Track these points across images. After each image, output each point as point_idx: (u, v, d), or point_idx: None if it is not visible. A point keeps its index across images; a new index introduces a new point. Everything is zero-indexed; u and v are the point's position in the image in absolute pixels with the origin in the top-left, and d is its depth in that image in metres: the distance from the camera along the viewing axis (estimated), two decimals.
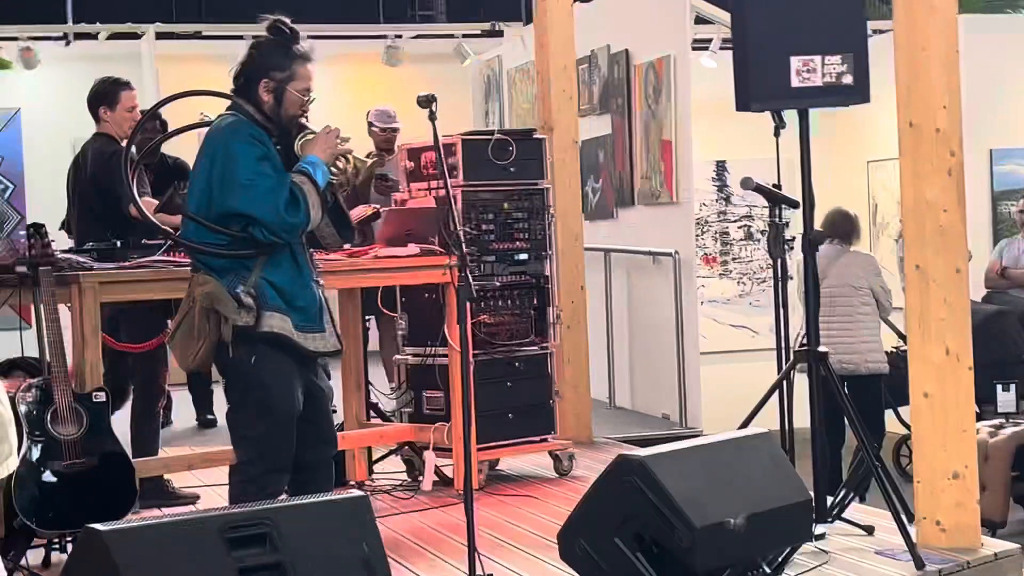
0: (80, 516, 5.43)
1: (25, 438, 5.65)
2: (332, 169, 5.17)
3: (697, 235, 11.71)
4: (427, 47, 16.08)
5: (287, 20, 5.20)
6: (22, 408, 5.66)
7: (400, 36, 15.76)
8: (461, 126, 12.38)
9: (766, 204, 10.91)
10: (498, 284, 7.58)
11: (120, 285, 6.14)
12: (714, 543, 4.83)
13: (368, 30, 15.84)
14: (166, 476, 7.17)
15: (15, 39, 14.72)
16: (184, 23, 15.60)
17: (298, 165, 5.06)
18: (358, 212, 7.59)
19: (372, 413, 7.75)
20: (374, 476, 7.76)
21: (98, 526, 3.82)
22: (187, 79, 14.90)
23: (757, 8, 5.68)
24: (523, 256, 7.67)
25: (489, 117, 13.56)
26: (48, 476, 5.64)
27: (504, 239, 7.59)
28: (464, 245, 5.42)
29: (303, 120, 5.18)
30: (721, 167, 12.86)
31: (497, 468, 7.93)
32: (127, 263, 6.24)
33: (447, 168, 7.42)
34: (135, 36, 15.27)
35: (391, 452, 7.91)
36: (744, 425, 5.99)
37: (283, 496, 5.15)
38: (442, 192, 7.49)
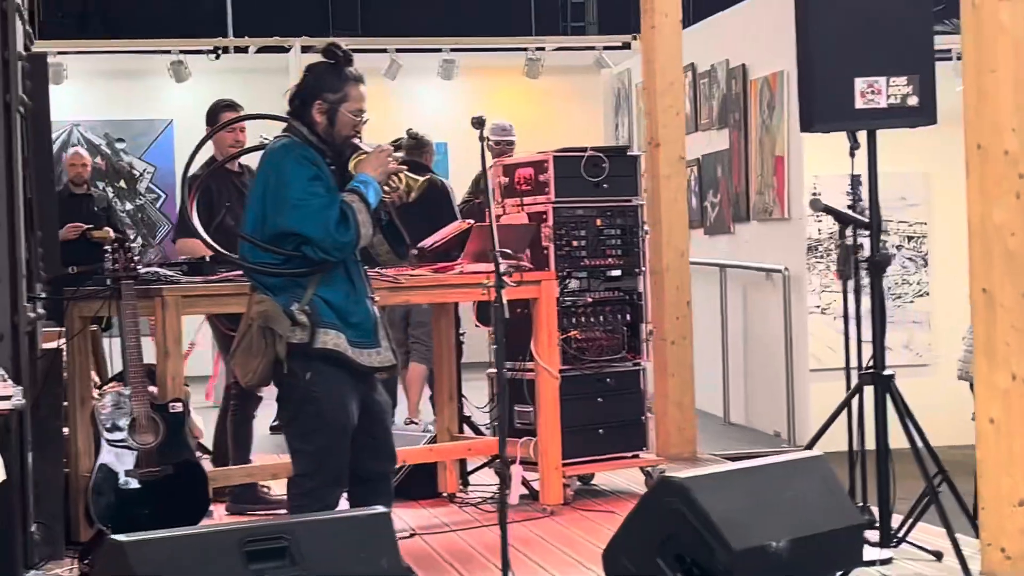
0: (155, 523, 5.62)
1: (103, 445, 5.86)
2: (385, 187, 5.27)
3: (830, 251, 11.59)
4: (568, 59, 16.17)
5: (340, 43, 5.31)
6: (101, 416, 5.88)
7: (543, 48, 15.86)
8: (593, 139, 12.47)
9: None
10: (589, 300, 7.62)
11: (202, 299, 6.33)
12: (754, 566, 4.81)
13: (509, 42, 15.95)
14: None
15: (167, 52, 15.14)
16: (331, 37, 15.84)
17: (350, 184, 5.17)
18: (452, 228, 7.70)
19: (465, 426, 7.85)
20: (467, 488, 7.85)
21: (119, 536, 3.97)
22: None
23: (821, 28, 5.64)
24: (616, 272, 7.70)
25: (619, 130, 13.60)
26: (125, 483, 5.83)
27: (596, 256, 7.62)
28: (504, 264, 5.48)
29: (356, 140, 5.29)
30: (856, 181, 12.72)
31: (592, 483, 7.98)
32: (213, 277, 6.43)
33: (539, 185, 7.54)
34: (283, 49, 15.62)
35: (484, 464, 7.99)
36: (810, 446, 5.95)
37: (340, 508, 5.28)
38: (535, 208, 7.57)
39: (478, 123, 5.39)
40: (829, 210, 6.11)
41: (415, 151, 10.56)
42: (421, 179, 5.37)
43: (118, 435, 5.86)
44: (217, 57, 15.40)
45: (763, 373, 10.08)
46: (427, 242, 7.62)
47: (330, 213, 5.06)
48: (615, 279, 7.71)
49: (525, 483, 7.45)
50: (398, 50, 15.40)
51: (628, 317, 7.73)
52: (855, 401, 6.08)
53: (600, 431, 7.60)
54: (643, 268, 7.78)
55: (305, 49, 15.46)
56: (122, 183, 15.46)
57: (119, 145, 15.51)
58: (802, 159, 9.54)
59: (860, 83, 5.60)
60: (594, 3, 20.97)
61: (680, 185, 8.90)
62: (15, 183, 6.19)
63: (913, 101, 5.64)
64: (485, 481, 7.92)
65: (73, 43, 16.03)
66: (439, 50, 15.58)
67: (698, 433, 9.11)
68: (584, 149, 7.65)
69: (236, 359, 5.28)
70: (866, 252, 6.08)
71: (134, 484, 5.84)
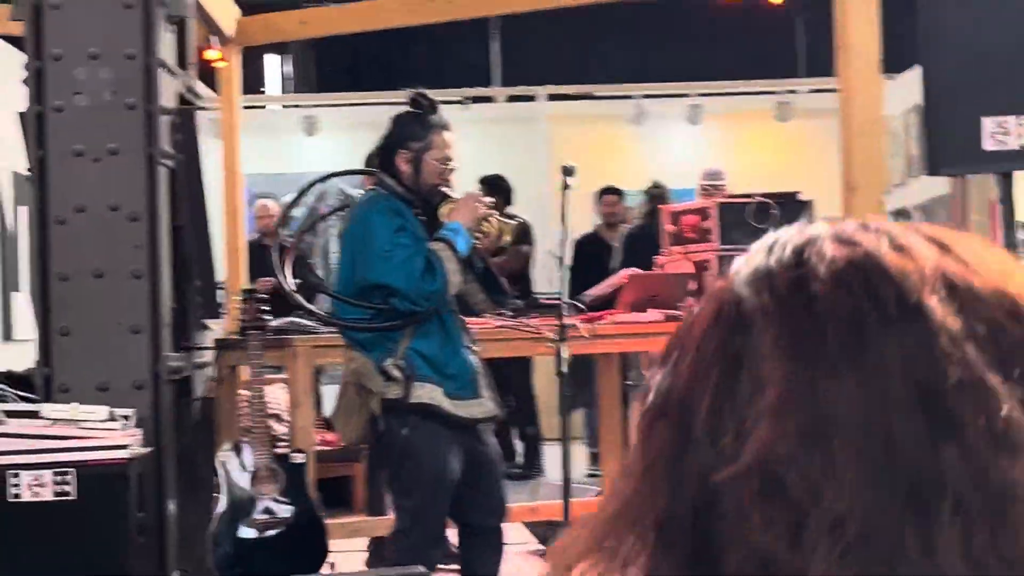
0: (272, 574, 5.66)
1: (224, 496, 5.89)
2: (476, 234, 5.15)
3: None
4: (823, 102, 15.73)
5: (425, 91, 5.22)
6: (221, 465, 5.91)
7: (795, 91, 15.51)
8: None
9: None
10: None
11: (332, 348, 6.29)
12: None
13: (758, 86, 15.63)
14: None
15: None
16: (576, 84, 15.87)
17: (439, 232, 5.07)
18: (616, 278, 7.53)
19: None
20: None
21: None
22: (577, 139, 15.21)
23: (946, 65, 5.27)
24: None
25: None
26: (243, 534, 5.84)
27: None
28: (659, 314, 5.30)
29: (445, 188, 5.18)
30: None
31: None
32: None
33: (703, 232, 7.30)
34: (531, 98, 15.67)
35: None
36: None
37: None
38: (700, 256, 7.33)
39: (567, 171, 5.24)
40: None
41: (658, 200, 10.46)
42: (514, 223, 5.24)
43: (237, 486, 5.88)
44: (465, 107, 15.54)
45: None
46: (592, 292, 7.48)
47: (415, 263, 4.97)
48: None
49: None
50: (644, 96, 15.29)
51: None
52: None
53: None
54: None
55: (552, 97, 15.50)
56: None
57: None
58: (1012, 203, 8.99)
59: (988, 123, 5.19)
60: None
61: None
62: (158, 235, 6.32)
63: None
64: None
65: (322, 96, 16.46)
66: (686, 95, 15.40)
67: None
68: (752, 195, 7.38)
69: (337, 417, 5.22)
70: None
71: (252, 534, 5.84)
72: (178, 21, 6.61)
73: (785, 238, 0.92)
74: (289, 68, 19.71)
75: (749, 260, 0.92)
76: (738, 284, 0.90)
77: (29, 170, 6.30)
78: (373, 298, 5.06)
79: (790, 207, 7.40)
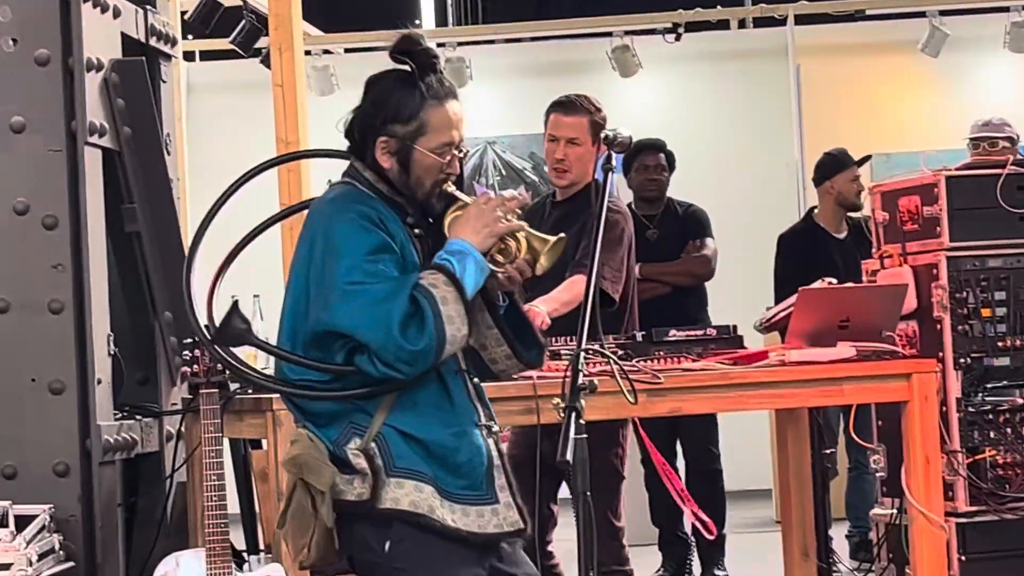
0: None
1: None
2: (497, 256, 4.67)
3: None
4: None
5: (418, 37, 4.69)
6: None
7: None
8: None
9: None
10: (1020, 402, 6.78)
11: None
12: None
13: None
14: None
15: (608, 35, 14.98)
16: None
17: (437, 257, 4.60)
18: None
19: None
20: None
21: None
22: (839, 77, 14.72)
23: None
24: None
25: None
26: None
27: None
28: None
29: (448, 187, 4.71)
30: None
31: None
32: None
33: (927, 223, 6.83)
34: (773, 22, 15.23)
35: None
36: None
37: None
38: (924, 259, 6.82)
39: (611, 143, 4.83)
40: None
41: None
42: (552, 239, 4.70)
43: None
44: (677, 38, 15.12)
45: None
46: (767, 315, 7.09)
47: (393, 305, 4.46)
48: None
49: None
50: (941, 12, 14.77)
51: None
52: None
53: None
54: None
55: (800, 20, 15.02)
56: None
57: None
58: None
59: None
60: None
61: None
62: (85, 247, 6.11)
63: None
64: None
65: (477, 29, 16.29)
66: (1004, 9, 14.82)
67: None
68: (1002, 164, 6.83)
69: (286, 529, 4.84)
70: None
71: None
72: None
73: None
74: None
75: None
76: None
77: None
78: (330, 349, 4.63)
79: None
